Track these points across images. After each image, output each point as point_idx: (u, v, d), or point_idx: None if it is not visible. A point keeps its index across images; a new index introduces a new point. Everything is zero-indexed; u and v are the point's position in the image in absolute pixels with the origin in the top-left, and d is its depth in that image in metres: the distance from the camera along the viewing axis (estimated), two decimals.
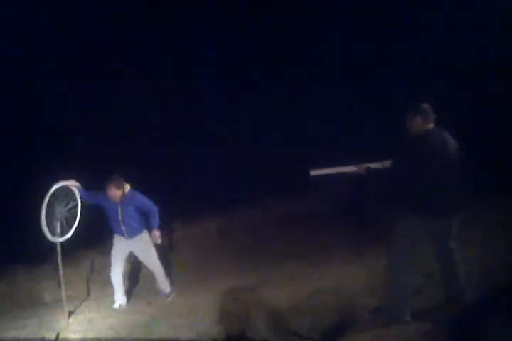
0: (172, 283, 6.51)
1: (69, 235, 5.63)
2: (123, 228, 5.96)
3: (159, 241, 6.19)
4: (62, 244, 5.59)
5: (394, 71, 10.83)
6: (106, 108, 12.71)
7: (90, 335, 5.15)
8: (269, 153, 11.80)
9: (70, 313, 5.86)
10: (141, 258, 6.26)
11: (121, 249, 6.12)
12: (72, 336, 5.17)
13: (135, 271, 7.57)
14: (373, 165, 4.50)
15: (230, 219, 9.16)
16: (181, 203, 9.66)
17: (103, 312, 5.92)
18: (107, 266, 7.55)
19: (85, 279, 7.23)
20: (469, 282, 4.43)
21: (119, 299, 6.16)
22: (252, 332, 4.52)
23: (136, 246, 6.13)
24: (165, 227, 8.76)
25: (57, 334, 5.12)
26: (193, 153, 12.41)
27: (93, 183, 6.08)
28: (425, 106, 4.19)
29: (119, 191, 5.81)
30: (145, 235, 6.16)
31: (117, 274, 6.12)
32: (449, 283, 4.42)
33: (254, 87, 13.44)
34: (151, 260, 6.23)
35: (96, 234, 8.14)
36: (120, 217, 5.92)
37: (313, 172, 4.82)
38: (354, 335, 4.10)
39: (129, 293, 6.68)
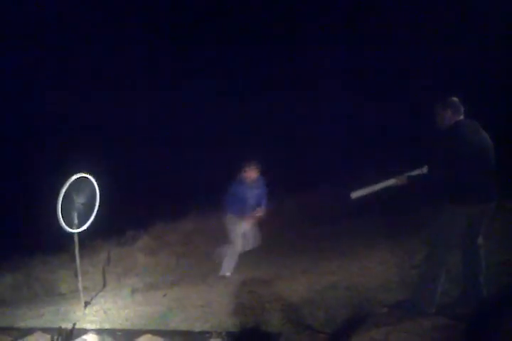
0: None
1: (86, 226, 5.66)
2: (247, 208, 6.67)
3: (261, 214, 6.82)
4: (79, 235, 5.64)
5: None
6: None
7: (106, 326, 5.19)
8: (282, 148, 11.83)
9: (86, 304, 5.91)
10: (249, 237, 6.86)
11: (240, 228, 6.73)
12: (88, 326, 5.21)
13: (151, 262, 7.66)
14: (413, 173, 4.46)
15: None
16: (195, 196, 9.71)
17: (119, 303, 5.96)
18: (123, 257, 7.64)
19: (101, 270, 7.29)
20: (487, 278, 4.38)
21: (229, 270, 6.68)
22: (266, 325, 4.52)
23: (248, 226, 6.79)
24: (180, 220, 8.87)
25: (74, 325, 5.17)
26: (206, 147, 12.49)
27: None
28: (454, 99, 4.27)
29: (256, 174, 6.67)
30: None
31: (237, 249, 6.73)
32: (469, 279, 4.39)
33: (262, 88, 13.52)
34: (257, 240, 6.92)
35: (113, 225, 8.23)
36: (248, 198, 6.67)
37: (354, 195, 4.65)
38: (368, 330, 4.08)
39: (145, 284, 6.76)
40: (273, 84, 13.78)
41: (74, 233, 5.53)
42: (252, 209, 6.74)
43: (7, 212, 9.79)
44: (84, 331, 5.06)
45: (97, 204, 5.80)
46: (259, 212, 6.78)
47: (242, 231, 6.78)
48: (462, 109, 4.23)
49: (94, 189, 5.79)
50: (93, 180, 5.78)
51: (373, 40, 12.70)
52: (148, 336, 4.69)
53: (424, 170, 4.39)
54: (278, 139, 12.52)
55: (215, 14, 14.78)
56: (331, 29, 13.57)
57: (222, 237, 6.87)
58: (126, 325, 5.12)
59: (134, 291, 6.42)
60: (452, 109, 4.21)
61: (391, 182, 4.56)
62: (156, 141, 13.27)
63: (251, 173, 6.67)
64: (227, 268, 6.69)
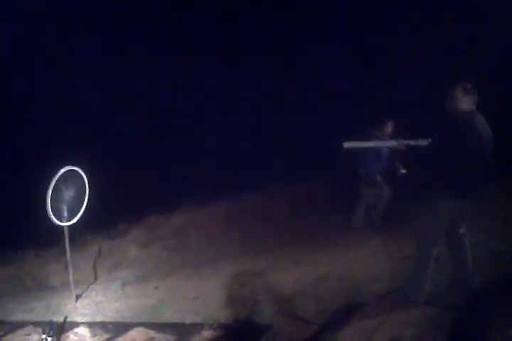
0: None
1: (75, 219, 5.64)
2: (382, 164, 7.05)
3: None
4: (70, 228, 5.61)
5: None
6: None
7: (97, 319, 5.19)
8: (275, 140, 11.80)
9: (78, 297, 5.91)
10: (383, 192, 7.29)
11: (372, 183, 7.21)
12: (79, 319, 5.21)
13: (142, 255, 7.65)
14: (412, 143, 4.41)
15: (237, 204, 9.17)
16: (189, 189, 9.69)
17: (110, 296, 5.96)
18: (114, 250, 7.63)
19: (92, 263, 7.28)
20: (476, 268, 4.40)
21: (358, 222, 7.42)
22: (257, 317, 4.53)
23: (381, 181, 7.21)
24: (171, 212, 8.85)
25: (65, 318, 5.14)
26: (201, 141, 12.45)
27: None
28: (471, 87, 4.14)
29: (391, 130, 6.96)
30: None
31: (366, 204, 7.40)
32: (457, 269, 4.40)
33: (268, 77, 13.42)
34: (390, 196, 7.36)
35: (104, 218, 8.20)
36: (384, 154, 6.92)
37: (347, 145, 4.62)
38: (359, 321, 4.09)
39: (136, 277, 6.75)
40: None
41: (64, 226, 5.51)
42: (386, 166, 7.06)
43: None
44: (76, 324, 5.07)
45: (87, 197, 5.78)
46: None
47: (376, 186, 7.20)
48: (476, 98, 4.12)
49: (84, 182, 5.76)
50: (82, 172, 5.75)
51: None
52: (140, 328, 4.70)
53: (423, 142, 4.33)
54: (269, 128, 12.47)
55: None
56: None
57: (212, 231, 6.87)
58: (118, 318, 5.13)
59: (125, 284, 6.42)
60: (471, 96, 4.09)
61: (389, 143, 4.55)
62: (147, 132, 13.20)
63: (387, 129, 6.96)
64: (356, 221, 7.39)
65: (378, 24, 12.33)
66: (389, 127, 6.99)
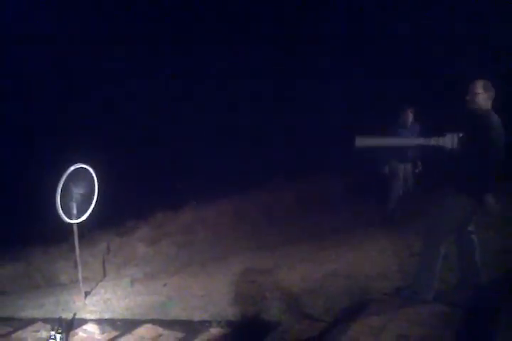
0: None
1: (84, 217, 5.66)
2: (406, 151, 6.94)
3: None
4: (79, 225, 5.64)
5: None
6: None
7: (106, 316, 5.21)
8: (282, 137, 11.77)
9: (87, 294, 5.94)
10: (406, 180, 7.33)
11: (400, 171, 7.20)
12: (88, 316, 5.23)
13: (150, 252, 7.67)
14: (433, 142, 4.28)
15: (243, 201, 9.18)
16: (196, 185, 9.72)
17: (119, 293, 5.98)
18: (122, 248, 7.67)
19: (101, 260, 7.31)
20: (484, 265, 4.39)
21: (392, 212, 7.30)
22: (265, 315, 4.53)
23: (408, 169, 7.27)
24: (179, 209, 8.88)
25: (74, 315, 5.19)
26: (206, 137, 12.45)
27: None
28: (490, 84, 4.06)
29: (412, 116, 7.00)
30: None
31: (397, 194, 7.29)
32: (465, 266, 4.39)
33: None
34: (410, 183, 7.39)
35: (112, 215, 8.24)
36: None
37: (359, 142, 3.95)
38: (367, 318, 4.08)
39: (145, 274, 6.78)
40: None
41: (73, 224, 5.54)
42: (409, 152, 7.01)
43: (7, 203, 9.80)
44: (85, 321, 5.10)
45: (96, 194, 5.80)
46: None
47: (402, 174, 7.19)
48: (494, 95, 4.05)
49: (93, 179, 5.79)
50: (91, 170, 5.77)
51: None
52: (148, 325, 4.73)
53: (435, 141, 4.21)
54: (275, 124, 12.44)
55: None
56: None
57: (220, 228, 6.86)
58: (126, 315, 5.15)
59: (133, 281, 6.44)
60: (491, 93, 4.03)
61: (406, 141, 4.37)
62: (155, 130, 13.24)
63: (410, 115, 7.00)
64: (390, 211, 7.30)
65: (398, 13, 12.22)
66: (409, 116, 7.00)
